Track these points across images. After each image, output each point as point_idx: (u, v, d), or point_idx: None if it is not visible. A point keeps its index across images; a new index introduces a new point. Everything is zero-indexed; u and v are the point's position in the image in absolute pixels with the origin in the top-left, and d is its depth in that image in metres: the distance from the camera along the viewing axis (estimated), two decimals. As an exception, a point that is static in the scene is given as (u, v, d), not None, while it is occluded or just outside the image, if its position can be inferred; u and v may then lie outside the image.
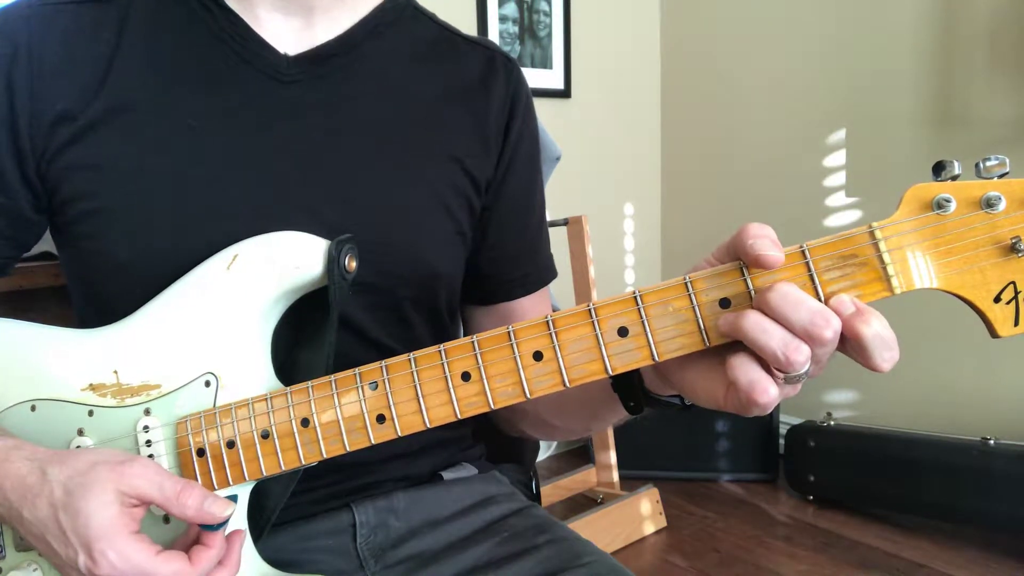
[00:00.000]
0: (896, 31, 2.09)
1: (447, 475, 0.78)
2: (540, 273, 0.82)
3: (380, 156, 0.69)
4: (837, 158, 2.27)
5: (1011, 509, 1.74)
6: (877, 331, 0.45)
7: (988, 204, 0.45)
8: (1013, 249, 0.45)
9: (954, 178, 0.46)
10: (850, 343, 0.46)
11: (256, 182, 0.65)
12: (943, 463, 1.84)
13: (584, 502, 2.08)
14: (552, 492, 2.02)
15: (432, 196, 0.71)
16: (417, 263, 0.70)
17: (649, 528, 1.99)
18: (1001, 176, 0.45)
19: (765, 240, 0.46)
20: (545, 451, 2.59)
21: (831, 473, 2.08)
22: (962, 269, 0.46)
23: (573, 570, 0.67)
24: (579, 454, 2.55)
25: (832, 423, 2.10)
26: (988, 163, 0.45)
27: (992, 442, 1.79)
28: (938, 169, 0.47)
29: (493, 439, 0.88)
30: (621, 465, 2.13)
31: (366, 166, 0.68)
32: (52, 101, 0.63)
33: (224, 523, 0.53)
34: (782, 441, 2.20)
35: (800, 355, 0.45)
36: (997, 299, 0.46)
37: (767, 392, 0.46)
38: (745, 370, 0.46)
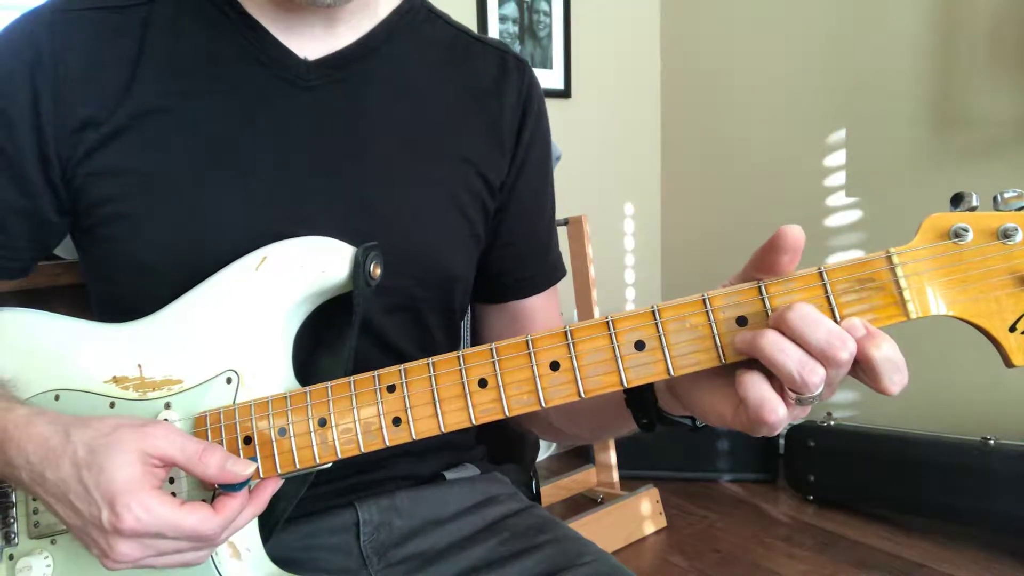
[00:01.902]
0: (896, 31, 2.10)
1: (449, 475, 0.79)
2: (550, 273, 0.83)
3: (397, 160, 0.69)
4: (837, 158, 2.27)
5: (1011, 509, 1.75)
6: (887, 354, 0.45)
7: (1005, 235, 0.46)
8: None
9: (972, 209, 0.47)
10: (861, 366, 0.46)
11: (277, 186, 0.65)
12: (943, 463, 1.85)
13: (584, 502, 2.08)
14: (552, 492, 2.02)
15: (448, 199, 0.71)
16: (434, 265, 0.71)
17: (649, 528, 1.99)
18: (1019, 209, 0.46)
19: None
20: (545, 451, 2.59)
21: (831, 473, 2.08)
22: (977, 298, 0.47)
23: (574, 569, 0.67)
24: (579, 454, 2.55)
25: (832, 423, 2.10)
26: (1006, 195, 0.46)
27: (992, 442, 1.79)
28: (956, 200, 0.47)
29: (494, 440, 0.88)
30: (621, 465, 2.13)
31: (384, 170, 0.69)
32: (77, 107, 0.63)
33: (245, 483, 0.54)
34: (782, 441, 2.20)
35: (815, 376, 0.45)
36: (1012, 328, 0.47)
37: (775, 412, 0.46)
38: (756, 388, 0.46)
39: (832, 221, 2.29)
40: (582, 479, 2.09)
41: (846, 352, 0.45)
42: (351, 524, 0.71)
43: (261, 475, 0.57)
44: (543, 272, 0.82)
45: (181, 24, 0.67)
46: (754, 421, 0.47)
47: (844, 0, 2.22)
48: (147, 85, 0.64)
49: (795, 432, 2.14)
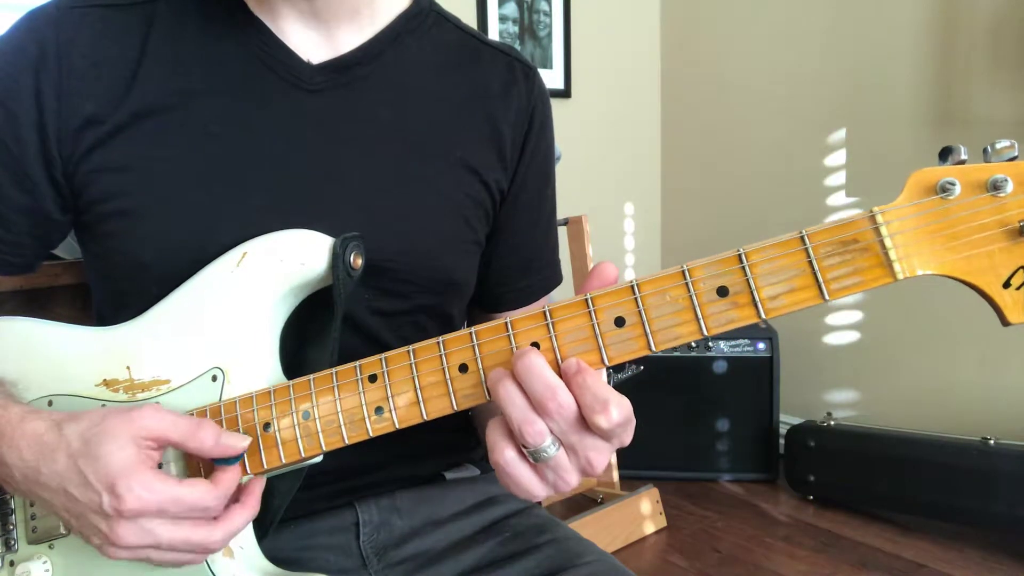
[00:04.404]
0: (896, 31, 2.09)
1: (450, 475, 0.79)
2: (545, 282, 0.83)
3: (401, 165, 0.69)
4: (837, 158, 2.27)
5: (1011, 509, 1.74)
6: (594, 391, 0.46)
7: (995, 187, 0.43)
8: (1022, 232, 0.43)
9: (960, 163, 0.45)
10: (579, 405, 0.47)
11: (277, 188, 0.65)
12: (943, 463, 1.84)
13: (584, 502, 2.08)
14: (552, 492, 2.01)
15: (451, 206, 0.71)
16: (436, 271, 0.70)
17: (649, 528, 1.99)
18: (1011, 159, 0.44)
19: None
20: (545, 451, 2.59)
21: (831, 473, 2.08)
22: (968, 254, 0.44)
23: (574, 569, 0.67)
24: (579, 454, 2.54)
25: (832, 423, 2.10)
26: (998, 146, 0.44)
27: (992, 442, 1.79)
28: (944, 154, 0.45)
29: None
30: (621, 465, 2.13)
31: (387, 175, 0.68)
32: (80, 105, 0.63)
33: (239, 457, 0.54)
34: (782, 441, 2.20)
35: (533, 427, 0.46)
36: (1007, 284, 0.44)
37: (503, 453, 0.49)
38: (492, 433, 0.50)
39: (832, 221, 2.28)
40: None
41: (554, 403, 0.46)
42: (351, 524, 0.71)
43: (249, 471, 0.57)
44: (538, 282, 0.82)
45: (185, 23, 0.66)
46: (492, 464, 0.50)
47: (844, 0, 2.22)
48: (150, 83, 0.64)
49: (795, 432, 2.13)
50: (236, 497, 0.55)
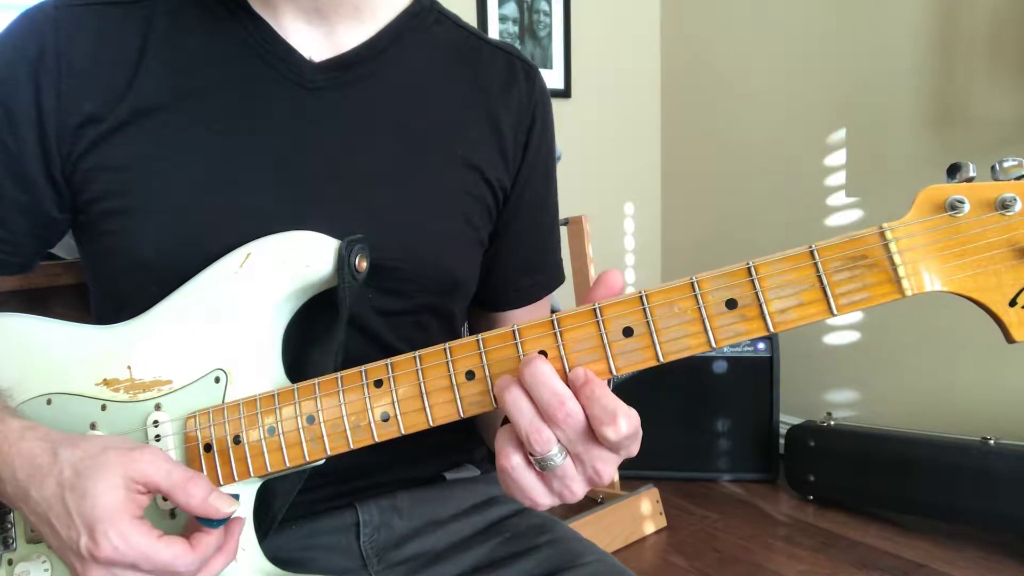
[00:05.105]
0: (896, 31, 2.09)
1: (450, 476, 0.79)
2: (548, 281, 0.82)
3: (403, 164, 0.69)
4: (837, 158, 2.27)
5: (1011, 509, 1.74)
6: (602, 404, 0.46)
7: (1003, 206, 0.44)
8: None
9: (969, 180, 0.45)
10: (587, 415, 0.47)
11: (280, 187, 0.65)
12: (943, 463, 1.84)
13: (584, 502, 2.08)
14: (552, 492, 2.01)
15: (454, 205, 0.71)
16: (439, 271, 0.70)
17: (649, 528, 1.99)
18: (1019, 178, 0.44)
19: None
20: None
21: (831, 473, 2.08)
22: (976, 272, 0.45)
23: (574, 570, 0.67)
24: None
25: (832, 423, 2.10)
26: (1005, 164, 0.44)
27: (992, 442, 1.79)
28: (952, 171, 0.46)
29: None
30: (621, 465, 2.12)
31: (389, 173, 0.68)
32: (79, 103, 0.63)
33: (223, 521, 0.53)
34: (782, 441, 2.20)
35: (541, 435, 0.46)
36: (1013, 303, 0.44)
37: (510, 459, 0.48)
38: (500, 438, 0.49)
39: (832, 221, 2.28)
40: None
41: (561, 412, 0.46)
42: (351, 524, 0.71)
43: (252, 473, 0.57)
44: (541, 281, 0.81)
45: (186, 20, 0.66)
46: (499, 470, 0.49)
47: (844, 0, 2.22)
48: (149, 81, 0.64)
49: (795, 432, 2.13)
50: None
